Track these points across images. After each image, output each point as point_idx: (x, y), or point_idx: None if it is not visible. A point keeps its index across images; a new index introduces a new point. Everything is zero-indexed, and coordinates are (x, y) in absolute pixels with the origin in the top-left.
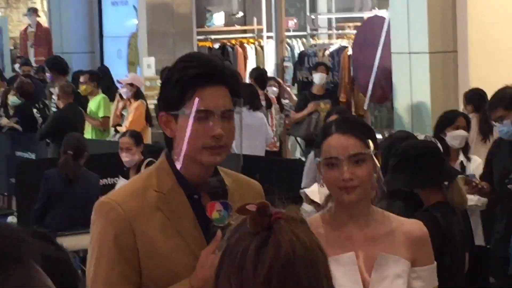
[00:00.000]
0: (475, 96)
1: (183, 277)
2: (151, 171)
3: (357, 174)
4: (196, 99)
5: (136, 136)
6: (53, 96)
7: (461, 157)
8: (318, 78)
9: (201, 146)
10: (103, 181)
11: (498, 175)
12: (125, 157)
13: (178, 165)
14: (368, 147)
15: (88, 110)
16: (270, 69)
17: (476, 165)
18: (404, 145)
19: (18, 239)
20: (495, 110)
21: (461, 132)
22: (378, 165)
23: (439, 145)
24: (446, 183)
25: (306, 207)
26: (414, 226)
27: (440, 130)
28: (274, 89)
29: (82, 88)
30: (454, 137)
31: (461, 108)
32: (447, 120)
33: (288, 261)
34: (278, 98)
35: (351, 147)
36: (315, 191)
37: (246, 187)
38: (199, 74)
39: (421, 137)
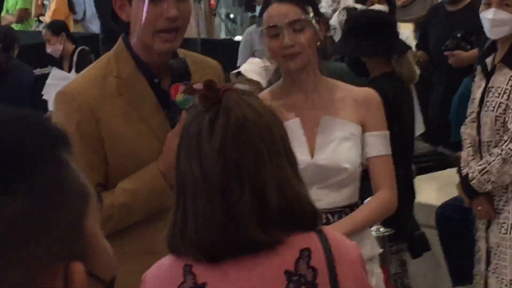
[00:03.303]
0: None
1: (149, 162)
2: (109, 57)
3: (298, 40)
4: None
5: (53, 27)
6: None
7: None
8: None
9: (155, 30)
10: (35, 72)
11: (434, 42)
12: (48, 49)
13: (137, 50)
14: (308, 13)
15: (5, 4)
16: None
17: (404, 38)
18: (357, 13)
19: (44, 129)
20: None
21: (376, 7)
22: (318, 29)
23: None
24: (396, 56)
25: (239, 87)
26: (366, 91)
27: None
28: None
29: None
30: None
31: None
32: None
33: (239, 125)
34: None
35: (290, 14)
36: (251, 69)
37: (205, 67)
38: None
39: (377, 7)
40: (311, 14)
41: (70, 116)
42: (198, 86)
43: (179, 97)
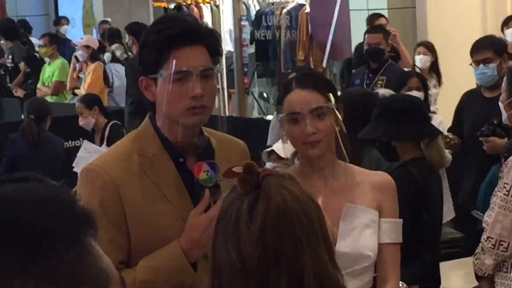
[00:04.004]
0: None
1: (172, 240)
2: (135, 135)
3: (319, 127)
4: (173, 61)
5: (86, 100)
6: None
7: None
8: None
9: (183, 108)
10: (66, 144)
11: (469, 127)
12: (80, 122)
13: (163, 129)
14: (329, 100)
15: (41, 76)
16: (227, 28)
17: (437, 123)
18: (389, 97)
19: (72, 213)
20: (484, 51)
21: (413, 94)
22: (340, 117)
23: None
24: (426, 140)
25: (268, 166)
26: (380, 176)
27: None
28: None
29: (42, 51)
30: None
31: None
32: (400, 81)
33: (280, 212)
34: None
35: (312, 101)
36: (283, 148)
37: (231, 147)
38: (174, 35)
39: (382, 91)
40: (333, 101)
41: (94, 193)
42: (238, 169)
43: (202, 175)
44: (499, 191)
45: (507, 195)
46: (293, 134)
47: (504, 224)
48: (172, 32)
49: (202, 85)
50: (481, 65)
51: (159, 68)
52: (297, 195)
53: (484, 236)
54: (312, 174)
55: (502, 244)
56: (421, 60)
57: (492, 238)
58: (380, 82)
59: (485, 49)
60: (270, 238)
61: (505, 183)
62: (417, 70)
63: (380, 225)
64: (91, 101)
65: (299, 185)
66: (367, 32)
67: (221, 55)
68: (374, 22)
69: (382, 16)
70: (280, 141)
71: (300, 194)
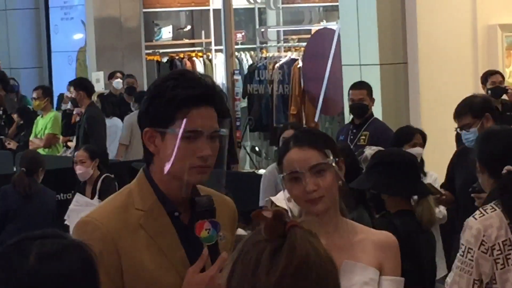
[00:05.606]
0: None
1: None
2: (130, 189)
3: (320, 184)
4: (185, 120)
5: (91, 150)
6: None
7: None
8: None
9: (188, 165)
10: (58, 197)
11: (461, 184)
12: (78, 170)
13: (159, 182)
14: (328, 156)
15: (34, 128)
16: (219, 82)
17: (432, 179)
18: (384, 150)
19: None
20: (463, 117)
21: (418, 150)
22: (341, 172)
23: None
24: (416, 197)
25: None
26: (383, 235)
27: (397, 146)
28: None
29: (35, 104)
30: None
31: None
32: (405, 136)
33: (301, 267)
34: None
35: (310, 159)
36: (281, 199)
37: (220, 204)
38: (194, 95)
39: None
40: (331, 157)
41: (92, 245)
42: (267, 213)
43: (203, 233)
44: (458, 252)
45: (463, 256)
46: (295, 193)
47: (460, 285)
48: (192, 92)
49: (209, 146)
50: (464, 131)
51: (170, 123)
52: (320, 253)
53: None
54: (316, 231)
55: None
56: None
57: None
58: (363, 137)
59: (463, 115)
60: None
61: (461, 243)
62: None
63: (381, 283)
64: (95, 153)
65: (321, 243)
66: (350, 88)
67: (226, 117)
68: (488, 79)
69: (498, 72)
70: (280, 192)
71: (323, 253)
